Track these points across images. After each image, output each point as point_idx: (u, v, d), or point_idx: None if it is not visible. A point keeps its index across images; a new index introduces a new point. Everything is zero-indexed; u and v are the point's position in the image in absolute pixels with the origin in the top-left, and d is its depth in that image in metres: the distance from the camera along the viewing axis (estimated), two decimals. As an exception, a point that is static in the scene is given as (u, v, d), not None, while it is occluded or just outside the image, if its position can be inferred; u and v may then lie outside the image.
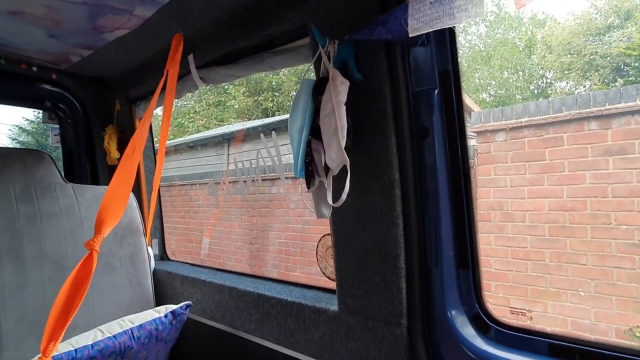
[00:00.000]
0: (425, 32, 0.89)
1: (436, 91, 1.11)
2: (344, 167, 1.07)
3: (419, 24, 0.91)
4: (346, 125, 1.06)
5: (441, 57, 1.10)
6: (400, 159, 1.13)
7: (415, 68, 1.12)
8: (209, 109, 13.68)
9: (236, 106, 12.77)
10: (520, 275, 3.65)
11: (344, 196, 1.05)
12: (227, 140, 8.36)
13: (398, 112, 1.12)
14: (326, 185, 1.10)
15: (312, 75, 1.28)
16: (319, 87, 1.13)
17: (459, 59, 1.11)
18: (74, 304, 0.81)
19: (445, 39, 1.09)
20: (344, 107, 1.06)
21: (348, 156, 1.05)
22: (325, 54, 1.14)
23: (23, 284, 1.72)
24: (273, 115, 12.18)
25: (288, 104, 13.11)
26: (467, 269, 1.10)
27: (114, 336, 1.48)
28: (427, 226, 1.13)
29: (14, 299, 1.68)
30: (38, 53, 1.98)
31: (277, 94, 12.85)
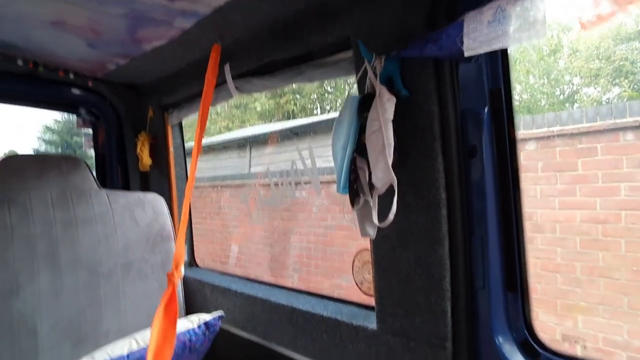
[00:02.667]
0: (483, 52, 0.87)
1: (486, 109, 1.08)
2: (391, 186, 1.05)
3: (475, 43, 0.88)
4: (393, 144, 1.03)
5: (492, 74, 1.07)
6: (447, 178, 1.10)
7: (464, 85, 1.10)
8: (230, 110, 13.79)
9: (258, 108, 12.84)
10: (550, 288, 3.56)
11: (391, 216, 1.03)
12: (249, 142, 8.40)
13: (445, 129, 1.09)
14: (371, 204, 1.08)
15: (354, 91, 1.26)
16: (364, 104, 1.11)
17: (511, 76, 1.07)
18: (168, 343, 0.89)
19: (497, 56, 1.06)
20: (392, 124, 1.04)
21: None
22: (371, 70, 1.12)
23: (58, 290, 1.74)
24: (294, 117, 12.20)
25: (309, 106, 13.13)
26: (516, 293, 1.07)
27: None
28: (474, 247, 1.09)
29: (49, 305, 1.70)
30: (76, 61, 2.00)
31: (298, 96, 12.87)
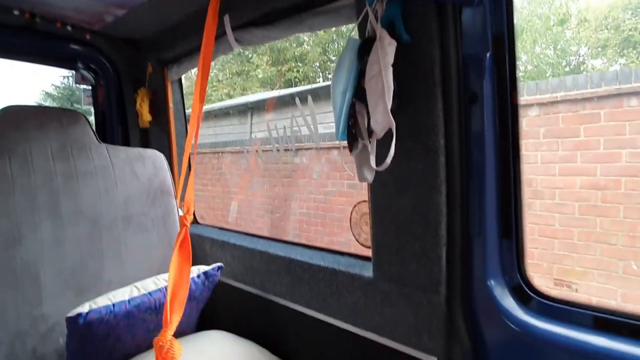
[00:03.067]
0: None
1: (488, 55, 1.06)
2: (389, 130, 1.05)
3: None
4: (393, 88, 1.02)
5: (495, 20, 1.05)
6: (446, 124, 1.09)
7: (467, 30, 1.08)
8: (232, 78, 13.62)
9: (260, 76, 12.69)
10: (547, 254, 3.60)
11: (388, 160, 1.03)
12: (250, 109, 8.33)
13: (446, 75, 1.08)
14: (370, 149, 1.08)
15: (355, 36, 1.24)
16: (364, 48, 1.09)
17: (515, 22, 1.05)
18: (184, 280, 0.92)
19: (501, 0, 1.04)
20: (392, 69, 1.03)
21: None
22: (372, 13, 1.10)
23: (60, 240, 1.76)
24: (296, 86, 12.06)
25: (312, 74, 12.96)
26: (511, 239, 1.08)
27: (150, 293, 1.51)
28: (471, 194, 1.10)
29: (52, 254, 1.73)
30: (73, 12, 1.97)
31: (301, 64, 12.69)
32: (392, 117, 1.02)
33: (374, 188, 1.26)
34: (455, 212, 1.10)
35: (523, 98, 3.82)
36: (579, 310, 0.99)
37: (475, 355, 1.07)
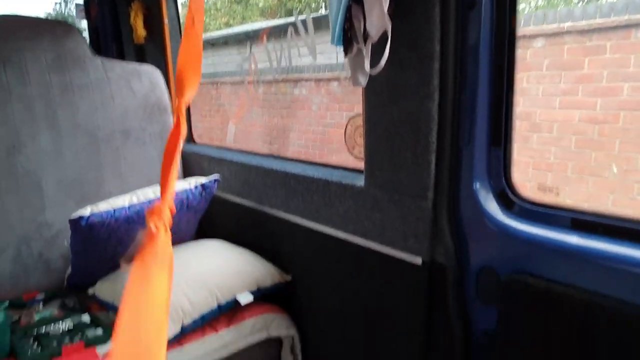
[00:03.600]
0: None
1: None
2: (384, 34, 1.04)
3: None
4: (390, -12, 1.00)
5: None
6: (442, 31, 1.08)
7: None
8: (231, 6, 13.09)
9: (260, 4, 12.19)
10: (539, 187, 3.66)
11: (382, 62, 1.03)
12: (249, 38, 8.09)
13: None
14: (364, 53, 1.07)
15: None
16: (363, -54, 1.05)
17: None
18: (173, 163, 0.84)
19: None
20: (389, -32, 1.00)
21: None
22: None
23: (59, 151, 1.79)
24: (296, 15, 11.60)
25: (314, 5, 12.44)
26: (499, 147, 1.10)
27: (149, 201, 1.56)
28: (463, 102, 1.11)
29: (52, 163, 1.77)
30: None
31: (302, -8, 12.14)
32: (387, 18, 1.00)
33: (368, 97, 1.26)
34: (447, 120, 1.11)
35: (529, 28, 3.71)
36: (558, 212, 1.03)
37: (457, 256, 1.13)
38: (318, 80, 5.69)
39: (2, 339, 1.24)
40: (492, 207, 1.10)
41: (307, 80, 5.84)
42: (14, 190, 1.67)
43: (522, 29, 3.73)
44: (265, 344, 1.57)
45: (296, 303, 1.62)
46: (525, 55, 3.73)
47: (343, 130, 5.14)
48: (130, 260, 0.70)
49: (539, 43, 3.66)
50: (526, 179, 3.70)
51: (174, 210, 0.79)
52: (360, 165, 1.41)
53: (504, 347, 1.06)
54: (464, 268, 1.14)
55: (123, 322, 0.57)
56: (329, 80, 5.52)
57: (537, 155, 3.69)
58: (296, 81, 6.00)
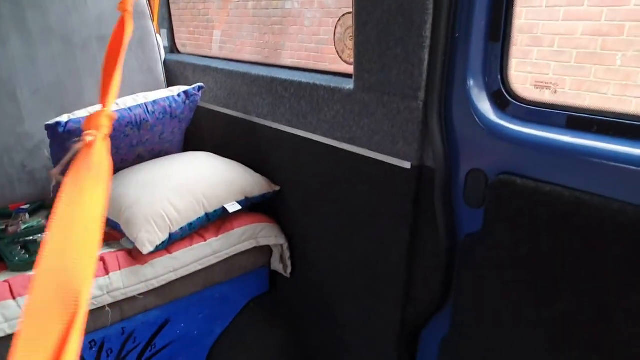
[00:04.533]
0: None
1: None
2: None
3: None
4: None
5: None
6: None
7: None
8: None
9: None
10: (535, 103, 3.59)
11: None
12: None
13: None
14: None
15: None
16: None
17: None
18: (117, 66, 0.74)
19: None
20: None
21: None
22: None
23: (33, 57, 1.69)
24: None
25: None
26: (497, 42, 1.03)
27: (129, 108, 1.50)
28: None
29: (26, 71, 1.67)
30: None
31: None
32: None
33: (358, -10, 1.16)
34: (442, 10, 1.03)
35: None
36: (554, 111, 0.99)
37: (446, 159, 1.10)
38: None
39: (-13, 245, 1.24)
40: (485, 106, 1.05)
41: (299, -8, 5.51)
42: (-13, 99, 1.59)
43: None
44: (255, 252, 1.59)
45: (285, 212, 1.62)
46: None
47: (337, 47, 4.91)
48: (62, 172, 0.64)
49: (546, -52, 3.41)
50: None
51: (115, 118, 0.73)
52: (350, 69, 1.33)
53: (487, 248, 1.06)
54: (452, 171, 1.12)
55: (52, 238, 0.53)
56: (322, -8, 5.21)
57: (535, 71, 3.57)
58: (288, -6, 5.66)
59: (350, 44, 1.42)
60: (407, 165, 1.17)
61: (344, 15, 1.67)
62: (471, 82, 1.05)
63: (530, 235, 0.97)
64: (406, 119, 1.14)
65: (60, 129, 1.36)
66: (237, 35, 6.57)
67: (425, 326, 1.28)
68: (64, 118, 1.37)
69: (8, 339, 1.13)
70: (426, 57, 1.07)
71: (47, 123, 1.36)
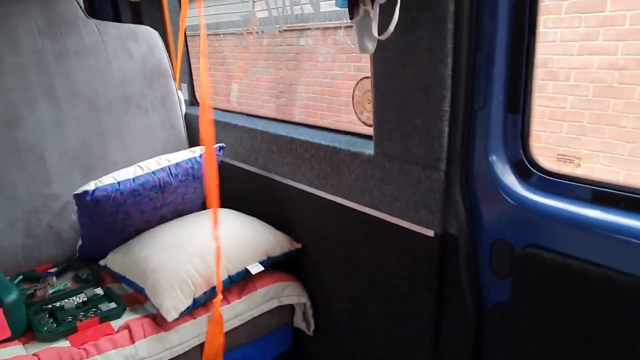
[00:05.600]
0: None
1: None
2: (393, -6, 0.95)
3: None
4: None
5: None
6: None
7: None
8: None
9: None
10: (554, 137, 3.56)
11: (391, 27, 0.95)
12: (251, -15, 7.72)
13: None
14: (372, 15, 0.99)
15: None
16: None
17: None
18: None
19: None
20: None
21: None
22: None
23: (60, 122, 1.75)
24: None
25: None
26: (517, 114, 1.04)
27: (153, 172, 1.53)
28: (478, 66, 1.03)
29: (54, 135, 1.73)
30: None
31: None
32: (397, -23, 0.91)
33: (376, 62, 1.18)
34: (460, 85, 1.04)
35: (548, -33, 3.46)
36: (578, 184, 0.98)
37: (470, 228, 1.09)
38: (324, 29, 5.47)
39: (18, 316, 1.26)
40: (508, 178, 1.05)
41: (312, 29, 5.62)
42: (18, 165, 1.64)
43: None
44: (278, 311, 1.59)
45: (307, 271, 1.62)
46: (544, -3, 3.51)
47: (350, 83, 4.98)
48: None
49: (558, -17, 3.44)
50: (541, 129, 3.60)
51: None
52: (369, 131, 1.35)
53: (516, 319, 1.04)
54: (477, 240, 1.11)
55: None
56: (335, 28, 5.30)
57: (552, 104, 3.56)
58: (301, 30, 5.78)
59: (368, 106, 1.44)
60: (430, 233, 1.16)
61: (361, 79, 1.70)
62: (493, 154, 1.06)
63: (560, 309, 0.95)
64: (428, 188, 1.14)
65: (88, 197, 1.39)
66: (253, 71, 6.70)
67: None
68: (91, 186, 1.41)
69: (37, 416, 1.14)
70: (446, 129, 1.08)
71: (75, 192, 1.40)
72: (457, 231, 1.12)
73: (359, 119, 1.69)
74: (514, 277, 1.04)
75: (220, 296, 1.40)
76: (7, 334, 1.22)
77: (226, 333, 1.45)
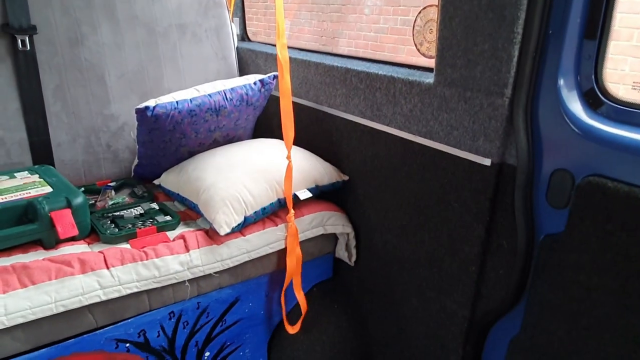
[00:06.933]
0: None
1: None
2: None
3: None
4: None
5: None
6: None
7: None
8: None
9: None
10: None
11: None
12: None
13: None
14: None
15: None
16: None
17: None
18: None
19: None
20: None
21: None
22: None
23: (119, 44, 1.79)
24: None
25: None
26: (594, 39, 1.00)
27: (209, 95, 1.57)
28: None
29: (114, 57, 1.78)
30: None
31: None
32: None
33: (446, -17, 1.15)
34: (537, 6, 1.00)
35: None
36: None
37: (531, 158, 1.08)
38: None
39: (84, 217, 1.34)
40: (576, 106, 1.03)
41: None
42: (80, 83, 1.71)
43: None
44: (321, 239, 1.63)
45: (352, 202, 1.65)
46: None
47: (395, 37, 4.84)
48: None
49: None
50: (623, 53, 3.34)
51: None
52: (429, 63, 1.33)
53: (569, 251, 1.04)
54: (535, 170, 1.10)
55: None
56: (383, -21, 5.13)
57: (610, 66, 3.38)
58: (348, -19, 5.61)
59: (429, 37, 1.41)
60: (487, 162, 1.16)
61: (425, 7, 1.65)
62: (562, 81, 1.03)
63: (619, 240, 0.94)
64: (489, 116, 1.13)
65: (149, 113, 1.44)
66: (295, 22, 6.60)
67: (494, 324, 1.27)
68: (151, 102, 1.46)
69: (103, 304, 1.23)
70: (516, 53, 1.05)
71: (137, 107, 1.45)
72: (516, 160, 1.11)
73: (418, 50, 1.65)
74: (572, 207, 1.03)
75: (292, 211, 1.48)
76: (75, 232, 1.31)
77: (273, 253, 1.52)
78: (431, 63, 1.30)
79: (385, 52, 5.22)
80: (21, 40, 1.58)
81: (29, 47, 1.60)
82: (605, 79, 1.03)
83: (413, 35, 1.68)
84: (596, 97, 1.02)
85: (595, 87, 1.02)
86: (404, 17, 4.95)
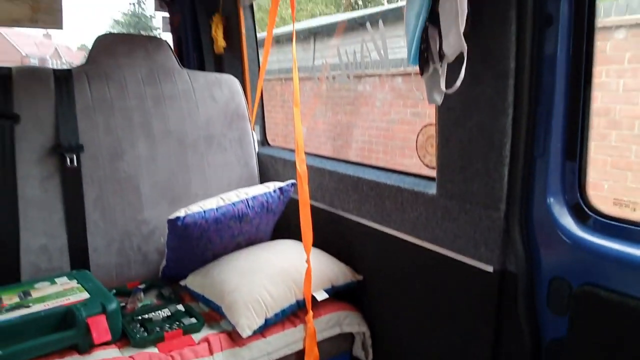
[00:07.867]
0: None
1: None
2: (460, 54, 1.09)
3: None
4: (466, 11, 1.06)
5: None
6: (518, 47, 1.12)
7: None
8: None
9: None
10: (618, 187, 3.49)
11: (458, 83, 1.09)
12: (313, 34, 8.22)
13: None
14: (440, 72, 1.14)
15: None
16: (440, -29, 1.11)
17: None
18: None
19: None
20: (466, -9, 1.05)
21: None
22: None
23: (154, 156, 1.99)
24: (359, 9, 11.57)
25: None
26: (574, 161, 1.13)
27: (233, 203, 1.72)
28: (538, 117, 1.14)
29: (148, 168, 1.97)
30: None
31: (364, -15, 12.09)
32: (464, 40, 1.06)
33: (441, 111, 1.32)
34: (520, 133, 1.15)
35: (610, 19, 3.52)
36: (634, 227, 1.04)
37: (528, 265, 1.17)
38: (382, 76, 5.71)
39: (116, 322, 1.44)
40: (566, 220, 1.13)
41: (371, 76, 5.88)
42: (118, 193, 1.89)
43: (602, 20, 3.54)
44: (339, 339, 1.68)
45: (367, 302, 1.72)
46: (605, 47, 3.55)
47: (406, 127, 5.12)
48: None
49: (620, 34, 3.48)
50: (603, 178, 3.54)
51: None
52: (431, 173, 1.47)
53: (573, 355, 1.09)
54: (535, 277, 1.18)
55: None
56: (393, 76, 5.53)
57: (615, 154, 3.51)
58: (359, 77, 6.05)
59: (431, 150, 1.57)
60: (489, 268, 1.25)
61: (425, 126, 1.84)
62: (551, 197, 1.14)
63: (615, 346, 1.00)
64: (488, 227, 1.23)
65: (179, 222, 1.59)
66: (311, 115, 7.02)
67: None
68: (181, 213, 1.61)
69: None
70: (506, 173, 1.18)
71: (169, 218, 1.60)
72: (516, 268, 1.19)
73: (422, 161, 1.81)
74: (571, 314, 1.10)
75: (310, 313, 1.55)
76: (109, 337, 1.40)
77: (293, 354, 1.57)
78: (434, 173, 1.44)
79: (396, 141, 5.48)
80: (69, 159, 1.79)
81: (76, 164, 1.81)
82: (589, 195, 1.14)
83: (417, 148, 1.85)
84: (582, 211, 1.13)
85: (582, 202, 1.14)
86: (413, 109, 5.26)
